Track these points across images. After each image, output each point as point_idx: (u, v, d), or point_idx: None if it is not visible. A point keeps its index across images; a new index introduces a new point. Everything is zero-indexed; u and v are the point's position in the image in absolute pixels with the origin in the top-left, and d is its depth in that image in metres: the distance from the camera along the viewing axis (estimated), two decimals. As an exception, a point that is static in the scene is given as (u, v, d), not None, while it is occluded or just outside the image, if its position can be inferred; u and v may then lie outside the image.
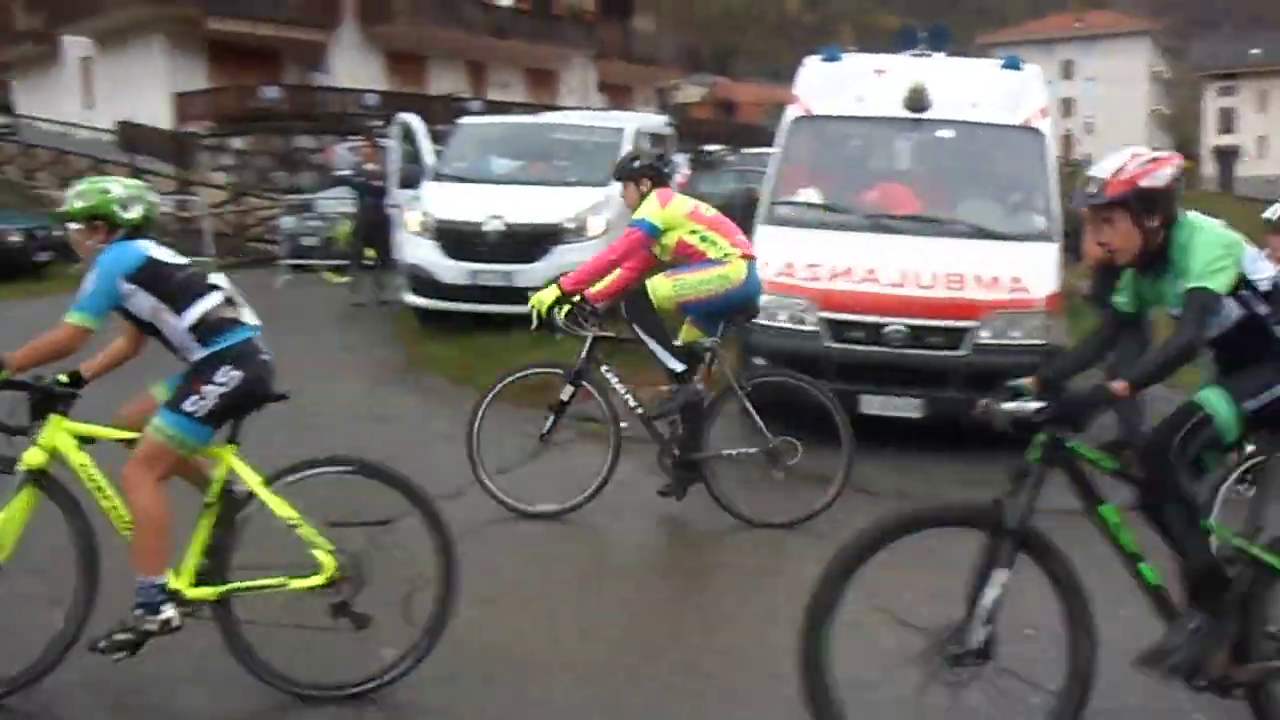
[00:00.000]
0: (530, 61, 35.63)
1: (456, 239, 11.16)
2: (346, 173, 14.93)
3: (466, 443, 6.27)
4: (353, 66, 30.99)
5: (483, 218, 11.02)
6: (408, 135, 13.67)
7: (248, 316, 4.14)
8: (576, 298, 6.19)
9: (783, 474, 6.21)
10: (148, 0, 28.17)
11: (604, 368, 6.33)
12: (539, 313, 6.15)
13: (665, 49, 39.62)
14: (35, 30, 33.45)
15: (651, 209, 6.25)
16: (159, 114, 28.43)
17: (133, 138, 27.92)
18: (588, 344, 6.26)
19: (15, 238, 17.25)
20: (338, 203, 17.15)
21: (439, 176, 12.25)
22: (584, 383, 6.28)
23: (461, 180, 11.98)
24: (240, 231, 22.37)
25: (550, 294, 6.14)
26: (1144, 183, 3.90)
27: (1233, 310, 3.94)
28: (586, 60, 36.31)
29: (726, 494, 6.19)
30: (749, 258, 6.29)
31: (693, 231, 6.24)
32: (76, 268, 17.89)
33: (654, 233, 6.23)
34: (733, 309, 6.31)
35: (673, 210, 6.27)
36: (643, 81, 39.59)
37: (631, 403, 6.30)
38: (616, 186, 7.33)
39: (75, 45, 32.12)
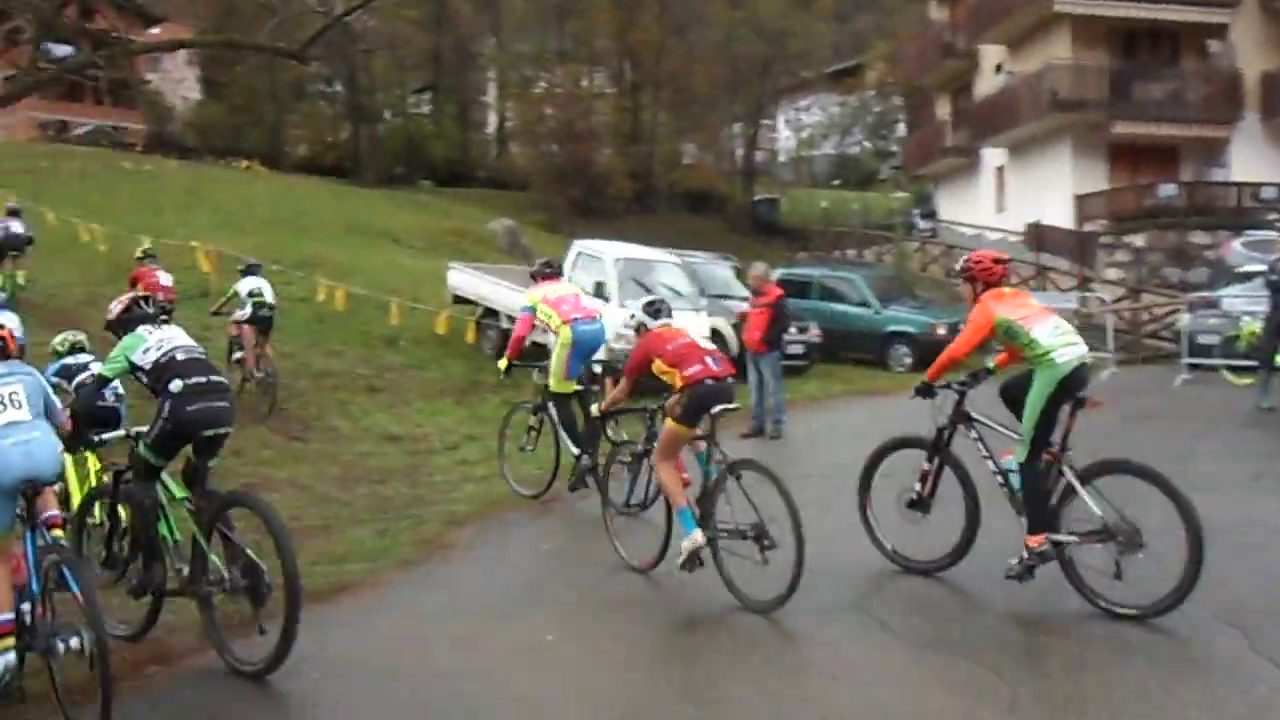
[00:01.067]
0: None
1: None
2: (1260, 269, 13.86)
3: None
4: (1251, 159, 28.74)
5: None
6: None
7: None
8: (516, 361, 9.53)
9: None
10: (1058, 110, 28.78)
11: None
12: (501, 371, 9.75)
13: None
14: (960, 145, 36.04)
15: (525, 296, 9.80)
16: (1062, 215, 28.97)
17: (1039, 238, 28.75)
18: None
19: (942, 330, 18.51)
20: (1245, 301, 15.97)
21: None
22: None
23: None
24: (1136, 328, 21.82)
25: (502, 363, 9.66)
26: (109, 317, 6.24)
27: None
28: None
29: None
30: (568, 321, 9.13)
31: (541, 308, 9.34)
32: (992, 357, 18.86)
33: (530, 311, 9.44)
34: (583, 358, 9.26)
35: (533, 294, 9.52)
36: None
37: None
38: None
39: (992, 155, 34.00)
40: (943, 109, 39.16)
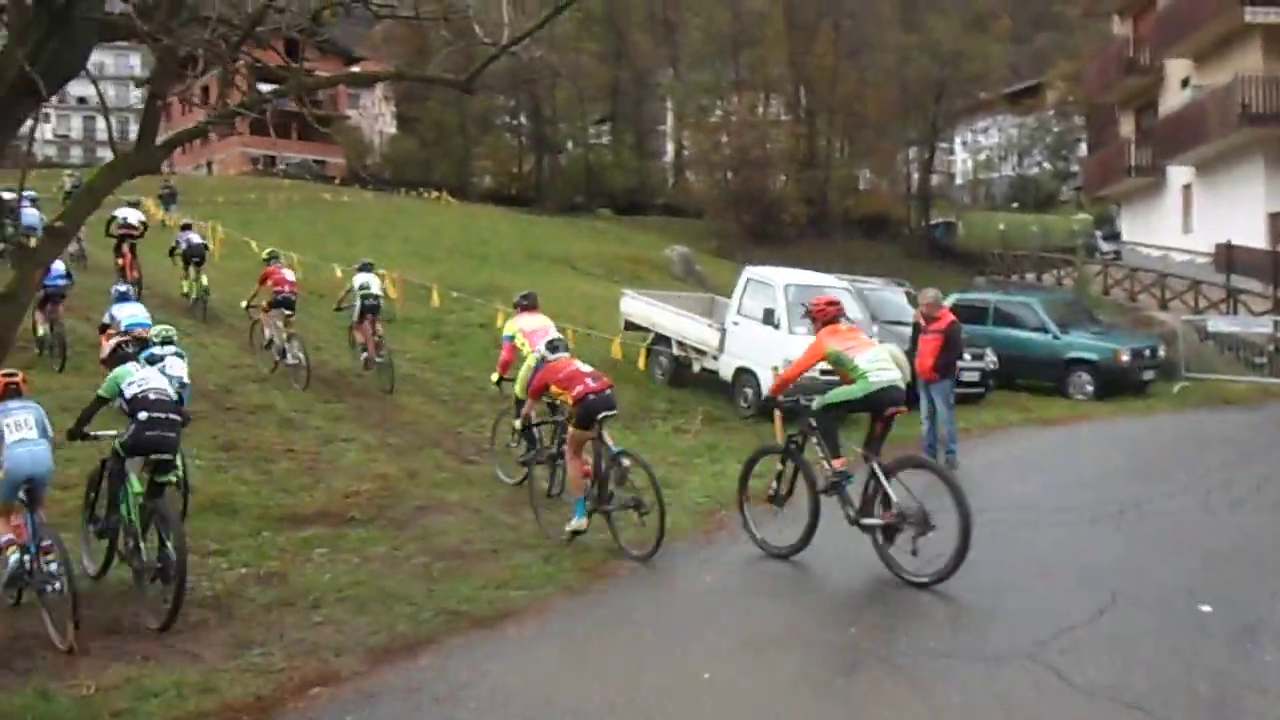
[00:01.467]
0: None
1: None
2: None
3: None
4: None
5: None
6: None
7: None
8: (503, 376, 11.35)
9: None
10: (1250, 124, 26.96)
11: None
12: (493, 383, 11.80)
13: None
14: (1144, 164, 34.23)
15: (507, 326, 11.53)
16: (1255, 234, 27.05)
17: (1229, 259, 26.95)
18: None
19: (1125, 357, 17.47)
20: None
21: None
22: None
23: None
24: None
25: (494, 376, 11.54)
26: (102, 354, 9.86)
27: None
28: None
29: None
30: (535, 350, 10.18)
31: (519, 337, 10.95)
32: (1181, 386, 17.65)
33: (510, 339, 11.11)
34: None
35: (512, 325, 11.30)
36: None
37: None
38: None
39: (1178, 174, 32.15)
40: (1126, 127, 37.26)
